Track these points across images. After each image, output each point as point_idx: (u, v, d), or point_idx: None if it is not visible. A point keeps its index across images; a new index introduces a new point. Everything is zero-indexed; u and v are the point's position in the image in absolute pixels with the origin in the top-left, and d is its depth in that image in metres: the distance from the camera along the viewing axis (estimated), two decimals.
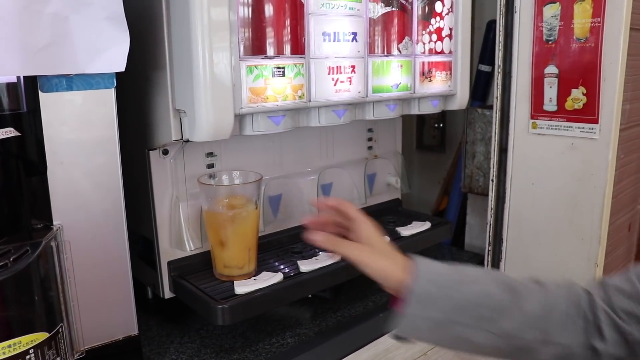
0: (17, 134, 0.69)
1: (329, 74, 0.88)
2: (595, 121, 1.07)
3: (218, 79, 0.76)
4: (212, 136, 0.78)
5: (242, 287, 0.89)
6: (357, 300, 1.11)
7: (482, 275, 0.72)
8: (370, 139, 1.22)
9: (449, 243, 1.45)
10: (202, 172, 0.97)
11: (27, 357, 0.67)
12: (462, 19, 1.09)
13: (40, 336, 0.69)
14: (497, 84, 1.17)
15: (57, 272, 0.73)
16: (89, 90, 0.75)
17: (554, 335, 0.67)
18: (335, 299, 1.10)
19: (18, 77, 0.70)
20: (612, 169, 1.08)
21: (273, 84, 0.81)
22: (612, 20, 1.02)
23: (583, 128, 1.08)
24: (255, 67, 0.80)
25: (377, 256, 0.76)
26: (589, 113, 1.07)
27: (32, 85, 0.71)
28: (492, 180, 1.21)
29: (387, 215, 1.24)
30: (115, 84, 0.76)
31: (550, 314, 0.67)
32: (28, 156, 0.72)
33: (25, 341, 0.67)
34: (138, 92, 0.90)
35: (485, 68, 1.29)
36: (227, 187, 0.96)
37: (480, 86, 1.32)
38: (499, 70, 1.17)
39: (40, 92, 0.71)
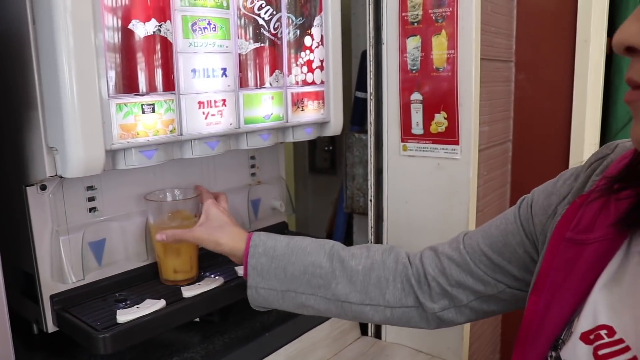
0: None
1: (199, 108, 0.95)
2: (456, 142, 1.19)
3: (87, 117, 0.81)
4: (84, 172, 0.83)
5: (123, 316, 0.93)
6: (244, 322, 1.17)
7: (312, 246, 0.88)
8: (253, 166, 1.29)
9: None
10: (82, 206, 1.00)
11: None
12: (333, 51, 1.19)
13: None
14: (370, 109, 1.28)
15: None
16: None
17: (377, 299, 0.83)
18: (223, 322, 1.16)
19: None
20: (474, 186, 1.20)
21: (143, 120, 0.87)
22: (464, 51, 1.15)
23: (447, 149, 1.20)
24: (125, 104, 0.85)
25: (211, 231, 0.95)
26: (450, 135, 1.19)
27: None
28: (371, 201, 1.31)
29: None
30: None
31: (370, 279, 0.83)
32: None
33: None
34: (14, 129, 0.93)
35: (361, 95, 1.40)
36: (171, 203, 1.10)
37: (358, 112, 1.42)
38: (371, 97, 1.28)
39: None
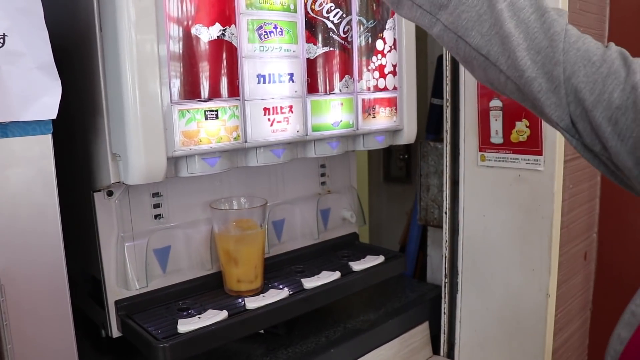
0: None
1: (265, 114, 0.92)
2: (539, 153, 1.11)
3: (148, 123, 0.80)
4: (145, 179, 0.82)
5: (184, 326, 0.92)
6: (310, 336, 1.14)
7: None
8: (323, 175, 1.26)
9: (410, 275, 1.48)
10: (148, 212, 1.01)
11: None
12: (406, 55, 1.14)
13: None
14: (447, 117, 1.22)
15: None
16: (25, 136, 0.79)
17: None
18: (288, 335, 1.13)
19: None
20: (559, 200, 1.11)
21: (206, 126, 0.86)
22: None
23: (528, 160, 1.12)
24: (188, 111, 0.84)
25: None
26: (533, 145, 1.11)
27: None
28: (446, 213, 1.24)
29: (342, 250, 1.27)
30: (51, 130, 0.81)
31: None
32: None
33: None
34: (82, 136, 0.94)
35: (437, 101, 1.34)
36: (237, 211, 1.09)
37: (434, 119, 1.36)
38: (448, 104, 1.21)
39: None
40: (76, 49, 0.89)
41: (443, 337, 1.29)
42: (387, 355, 1.19)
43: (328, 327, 1.17)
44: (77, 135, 0.95)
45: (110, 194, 0.96)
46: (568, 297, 1.24)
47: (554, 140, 1.09)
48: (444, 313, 1.28)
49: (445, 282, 1.27)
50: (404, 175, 1.68)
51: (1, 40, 0.74)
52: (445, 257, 1.26)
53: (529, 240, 1.14)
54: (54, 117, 0.79)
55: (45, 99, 0.78)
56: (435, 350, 1.31)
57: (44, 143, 0.80)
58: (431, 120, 1.38)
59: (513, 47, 0.63)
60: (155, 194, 1.02)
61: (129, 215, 0.99)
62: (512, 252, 1.16)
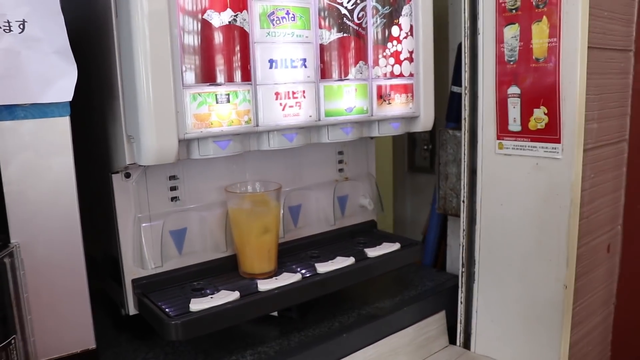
0: None
1: (276, 99, 0.96)
2: (558, 141, 1.11)
3: (161, 106, 0.84)
4: (157, 160, 0.86)
5: (196, 305, 0.96)
6: (324, 321, 1.17)
7: None
8: (340, 162, 1.28)
9: (430, 264, 1.50)
10: (165, 195, 1.05)
11: None
12: (423, 41, 1.16)
13: None
14: (465, 105, 1.23)
15: (11, 287, 0.82)
16: (44, 118, 0.84)
17: None
18: (301, 319, 1.16)
19: None
20: (578, 189, 1.11)
21: (217, 110, 0.89)
22: (569, 39, 1.07)
23: (546, 148, 1.13)
24: (199, 94, 0.88)
25: None
26: (551, 133, 1.12)
27: None
28: (464, 202, 1.26)
29: (359, 237, 1.29)
30: (69, 112, 0.86)
31: None
32: None
33: None
34: (101, 119, 0.99)
35: (457, 89, 1.35)
36: (251, 194, 1.12)
37: (454, 107, 1.37)
38: (466, 91, 1.22)
39: None
40: (94, 34, 0.94)
41: (460, 327, 1.31)
42: (401, 343, 1.21)
43: (342, 313, 1.20)
44: (95, 118, 1.00)
45: (127, 175, 1.01)
46: (588, 290, 1.24)
47: (573, 128, 1.09)
48: (461, 303, 1.29)
49: (462, 272, 1.28)
50: (428, 165, 1.69)
51: (21, 27, 0.79)
52: (463, 246, 1.27)
53: (546, 230, 1.14)
54: (70, 99, 0.84)
55: (62, 82, 0.83)
56: (452, 340, 1.33)
57: (62, 125, 0.86)
58: (451, 108, 1.39)
59: None
60: (172, 177, 1.06)
61: (146, 197, 1.03)
62: (530, 242, 1.16)
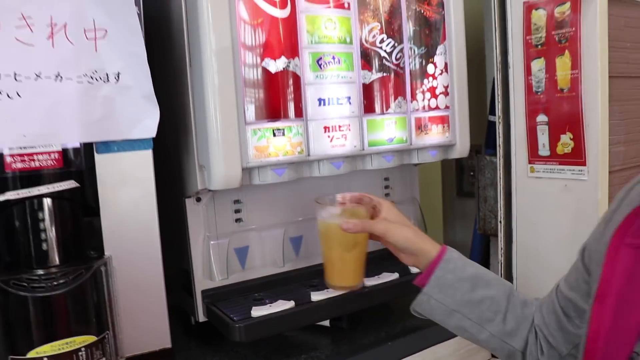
0: (77, 185, 1.01)
1: (325, 132, 1.15)
2: (583, 163, 1.26)
3: (227, 140, 1.05)
4: (224, 185, 1.07)
5: (257, 312, 1.15)
6: (372, 331, 1.33)
7: (495, 281, 0.96)
8: (386, 187, 1.46)
9: None
10: (230, 216, 1.25)
11: (80, 353, 0.96)
12: (457, 77, 1.33)
13: (90, 339, 0.97)
14: (499, 132, 1.39)
15: (105, 291, 1.03)
16: (132, 151, 1.06)
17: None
18: (351, 329, 1.33)
19: (80, 144, 1.02)
20: (604, 208, 1.25)
21: (274, 142, 1.09)
22: (589, 70, 1.22)
23: (573, 170, 1.27)
24: (259, 129, 1.08)
25: (398, 225, 0.99)
26: (577, 156, 1.26)
27: (89, 149, 1.03)
28: (500, 222, 1.41)
29: None
30: (152, 146, 1.07)
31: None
32: (86, 202, 1.04)
33: (78, 341, 0.96)
34: (176, 151, 1.21)
35: (493, 118, 1.51)
36: (342, 205, 1.09)
37: (491, 135, 1.53)
38: (500, 120, 1.39)
39: (95, 154, 1.03)
40: (171, 81, 1.16)
41: None
42: (444, 353, 1.36)
43: (389, 324, 1.36)
44: (171, 150, 1.22)
45: (198, 200, 1.22)
46: None
47: (597, 152, 1.23)
48: None
49: None
50: (475, 191, 1.84)
51: (116, 78, 1.02)
52: (501, 263, 1.42)
53: (576, 246, 1.28)
54: (154, 135, 1.05)
55: (147, 121, 1.05)
56: (494, 355, 1.46)
57: (146, 156, 1.07)
58: (489, 136, 1.55)
59: None
60: (236, 201, 1.26)
61: (214, 218, 1.24)
62: (562, 259, 1.29)
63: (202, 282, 1.24)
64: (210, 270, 1.22)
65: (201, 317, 1.24)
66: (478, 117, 1.44)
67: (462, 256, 0.97)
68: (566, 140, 1.28)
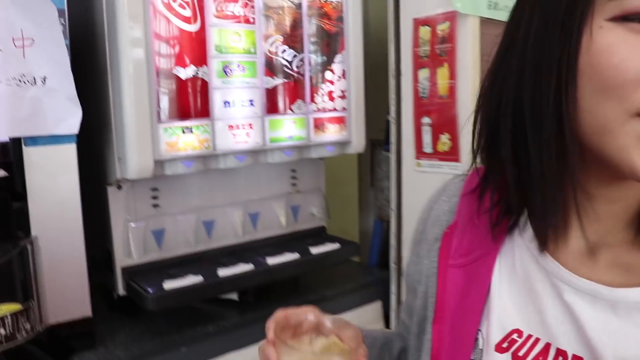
0: (6, 174, 1.19)
1: (230, 130, 1.35)
2: (458, 160, 1.48)
3: (142, 137, 1.24)
4: (138, 175, 1.26)
5: (168, 284, 1.34)
6: (276, 303, 1.51)
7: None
8: (293, 177, 1.67)
9: (375, 264, 1.87)
10: (148, 202, 1.44)
11: (6, 320, 1.14)
12: (355, 83, 1.54)
13: (16, 307, 1.16)
14: (393, 131, 1.61)
15: (31, 266, 1.21)
16: (57, 145, 1.24)
17: None
18: (257, 302, 1.54)
19: (10, 138, 1.20)
20: None
21: (184, 139, 1.29)
22: (463, 81, 1.44)
23: (450, 166, 1.50)
24: (170, 127, 1.27)
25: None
26: (453, 154, 1.49)
27: (18, 143, 1.20)
28: (392, 210, 1.63)
29: (308, 239, 1.67)
30: (76, 141, 1.25)
31: None
32: (15, 189, 1.21)
33: (5, 309, 1.14)
34: (99, 145, 1.38)
35: (392, 118, 1.73)
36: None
37: (389, 133, 1.75)
38: (393, 120, 1.60)
39: (24, 147, 1.20)
40: (97, 85, 1.34)
41: (392, 314, 1.67)
42: None
43: (292, 298, 1.57)
44: (95, 144, 1.40)
45: (119, 187, 1.40)
46: None
47: (469, 150, 1.46)
48: (393, 293, 1.66)
49: (394, 268, 1.65)
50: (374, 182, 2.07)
51: (43, 81, 1.19)
52: (393, 246, 1.65)
53: None
54: (77, 132, 1.23)
55: (71, 120, 1.23)
56: (387, 326, 1.69)
57: (70, 150, 1.25)
58: (387, 134, 1.77)
59: None
60: (154, 189, 1.45)
61: (134, 204, 1.42)
62: None
63: (122, 260, 1.42)
64: (129, 249, 1.41)
65: (121, 291, 1.43)
66: (382, 117, 1.65)
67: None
68: (445, 140, 1.50)
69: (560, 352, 0.58)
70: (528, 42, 0.56)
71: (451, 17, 1.46)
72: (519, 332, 0.60)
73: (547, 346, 0.58)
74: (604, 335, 0.55)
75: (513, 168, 0.59)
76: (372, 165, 2.04)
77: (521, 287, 0.62)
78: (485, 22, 1.47)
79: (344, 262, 1.67)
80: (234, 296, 1.53)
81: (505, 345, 0.60)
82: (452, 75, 1.46)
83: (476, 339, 0.63)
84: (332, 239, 1.66)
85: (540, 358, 0.58)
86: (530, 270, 0.62)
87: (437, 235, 0.74)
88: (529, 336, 0.59)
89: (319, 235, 1.72)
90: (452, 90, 1.47)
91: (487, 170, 0.67)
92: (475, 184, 0.70)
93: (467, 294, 0.64)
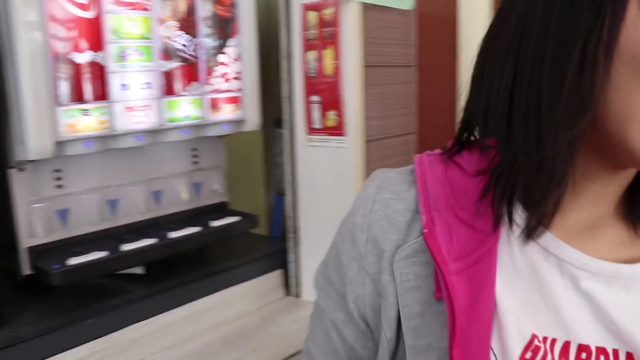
0: None
1: (127, 111, 1.44)
2: (344, 134, 1.63)
3: (40, 119, 1.31)
4: (38, 156, 1.33)
5: (72, 261, 1.43)
6: (178, 276, 1.65)
7: None
8: (195, 156, 1.77)
9: (277, 236, 2.01)
10: (51, 183, 1.51)
11: None
12: (248, 65, 1.66)
13: None
14: (286, 109, 1.74)
15: None
16: None
17: None
18: (163, 274, 1.64)
19: None
20: (360, 170, 1.64)
21: (83, 120, 1.37)
22: (347, 61, 1.59)
23: (337, 140, 1.65)
24: (69, 110, 1.35)
25: None
26: (339, 129, 1.64)
27: None
28: (288, 184, 1.77)
29: (210, 214, 1.79)
30: None
31: None
32: None
33: None
34: (1, 129, 1.44)
35: (284, 97, 1.86)
36: None
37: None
38: (286, 99, 1.74)
39: None
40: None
41: (292, 282, 1.82)
42: (242, 292, 1.71)
43: (196, 270, 1.69)
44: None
45: (21, 169, 1.46)
46: None
47: (354, 126, 1.62)
48: (291, 262, 1.80)
49: (292, 238, 1.79)
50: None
51: None
52: (290, 217, 1.79)
53: (340, 201, 1.67)
54: None
55: None
56: (288, 293, 1.83)
57: None
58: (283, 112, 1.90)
59: None
60: (57, 170, 1.52)
61: (37, 185, 1.49)
62: (331, 209, 1.68)
63: (27, 241, 1.49)
64: (34, 230, 1.48)
65: (26, 271, 1.50)
66: (277, 96, 1.78)
67: None
68: (332, 116, 1.65)
69: (582, 348, 0.53)
70: (552, 13, 0.47)
71: (336, 3, 1.60)
72: (536, 337, 0.54)
73: (567, 345, 0.53)
74: (629, 316, 0.53)
75: (522, 146, 0.50)
76: (269, 142, 2.17)
77: (526, 284, 0.55)
78: (369, 7, 1.63)
79: (246, 234, 1.80)
80: (139, 270, 1.62)
81: (529, 355, 0.53)
82: (337, 56, 1.61)
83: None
84: (233, 213, 1.78)
85: (562, 359, 0.53)
86: (536, 262, 0.56)
87: (401, 241, 0.61)
88: (545, 338, 0.54)
89: (220, 210, 1.84)
90: (337, 70, 1.62)
91: (502, 156, 0.54)
92: (444, 173, 0.61)
93: (475, 305, 0.54)
